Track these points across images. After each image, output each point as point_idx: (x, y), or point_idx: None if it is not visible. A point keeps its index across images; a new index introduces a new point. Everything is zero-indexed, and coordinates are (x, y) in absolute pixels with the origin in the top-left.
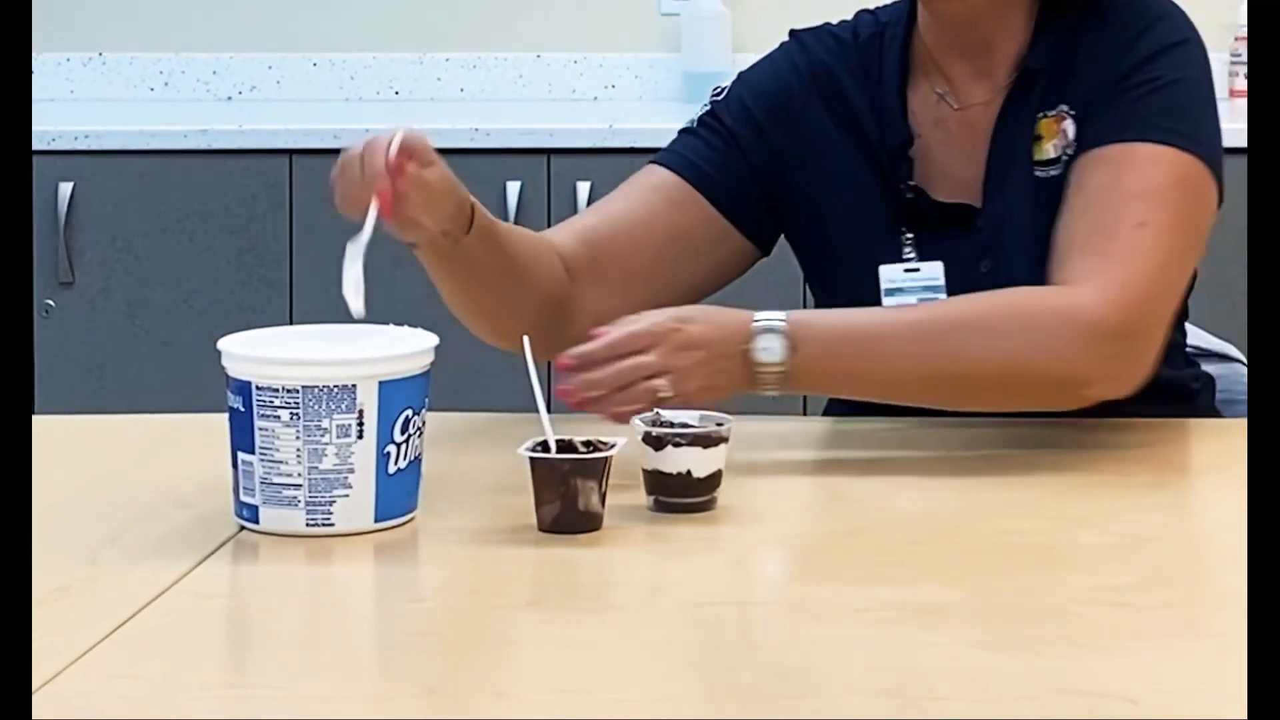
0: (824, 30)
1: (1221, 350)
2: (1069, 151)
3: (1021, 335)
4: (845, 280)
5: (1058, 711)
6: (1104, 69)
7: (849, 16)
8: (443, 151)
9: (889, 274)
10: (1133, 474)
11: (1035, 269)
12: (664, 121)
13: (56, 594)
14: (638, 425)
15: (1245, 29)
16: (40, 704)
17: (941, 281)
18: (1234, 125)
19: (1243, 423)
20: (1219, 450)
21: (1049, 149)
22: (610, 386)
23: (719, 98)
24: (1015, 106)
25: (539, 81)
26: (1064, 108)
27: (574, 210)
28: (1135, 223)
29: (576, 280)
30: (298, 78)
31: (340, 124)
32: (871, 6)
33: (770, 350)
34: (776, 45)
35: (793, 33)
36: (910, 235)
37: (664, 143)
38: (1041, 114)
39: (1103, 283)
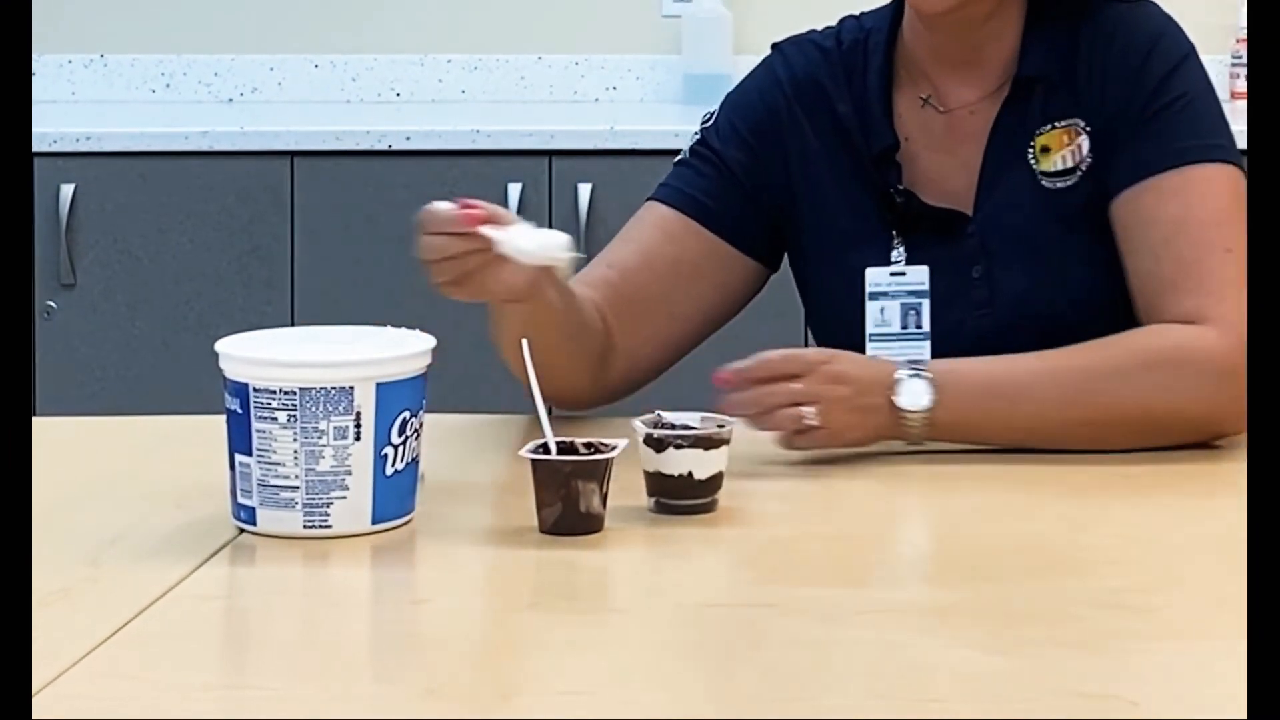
0: (806, 40)
1: None
2: (1084, 166)
3: (1161, 379)
4: (833, 285)
5: (1058, 713)
6: (1122, 91)
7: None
8: (444, 153)
9: (875, 277)
10: (1133, 476)
11: (1030, 277)
12: (665, 123)
13: (58, 595)
14: (639, 427)
15: (1245, 30)
16: (42, 705)
17: (926, 286)
18: (1234, 127)
19: None
20: (1219, 452)
21: (1058, 160)
22: (759, 407)
23: (708, 124)
24: (1012, 115)
25: (540, 83)
26: (1078, 122)
27: (575, 212)
28: (1221, 251)
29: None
30: (299, 79)
31: (342, 125)
32: (858, 11)
33: (916, 396)
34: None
35: (774, 46)
36: (900, 240)
37: (665, 145)
38: (1049, 125)
39: (1218, 321)
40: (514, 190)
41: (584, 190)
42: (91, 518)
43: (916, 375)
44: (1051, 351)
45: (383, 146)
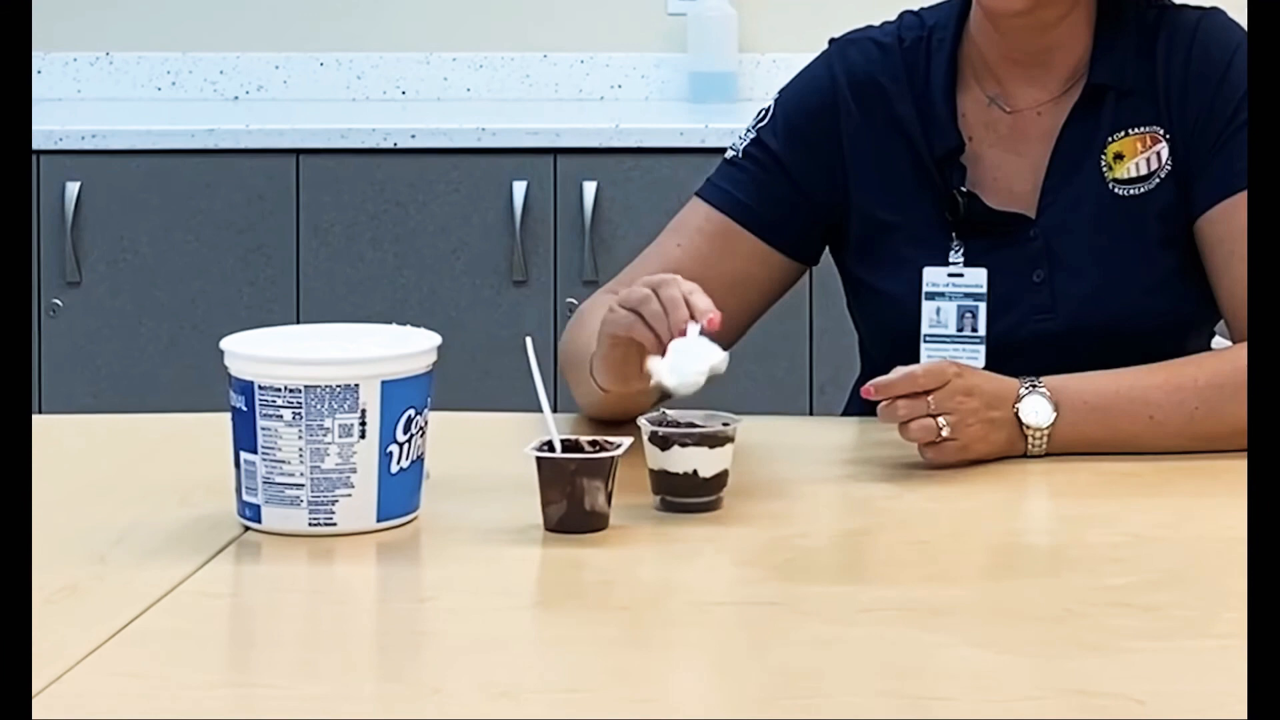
0: (865, 38)
1: None
2: (1162, 174)
3: None
4: (887, 285)
5: (1062, 712)
6: (1205, 100)
7: (877, 19)
8: (449, 151)
9: (932, 277)
10: (1136, 474)
11: (1096, 282)
12: (670, 121)
13: (63, 593)
14: (644, 425)
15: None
16: (48, 702)
17: (984, 289)
18: None
19: None
20: (1219, 452)
21: (1131, 167)
22: (899, 419)
23: (763, 123)
24: (1082, 119)
25: (545, 81)
26: (1156, 129)
27: (580, 211)
28: None
29: None
30: (305, 77)
31: (347, 124)
32: (905, 9)
33: (1039, 413)
34: (818, 54)
35: (832, 41)
36: (959, 241)
37: (670, 143)
38: (1122, 131)
39: None
40: (519, 189)
41: (589, 189)
42: (97, 515)
43: (1035, 391)
44: (1162, 366)
45: (388, 145)
